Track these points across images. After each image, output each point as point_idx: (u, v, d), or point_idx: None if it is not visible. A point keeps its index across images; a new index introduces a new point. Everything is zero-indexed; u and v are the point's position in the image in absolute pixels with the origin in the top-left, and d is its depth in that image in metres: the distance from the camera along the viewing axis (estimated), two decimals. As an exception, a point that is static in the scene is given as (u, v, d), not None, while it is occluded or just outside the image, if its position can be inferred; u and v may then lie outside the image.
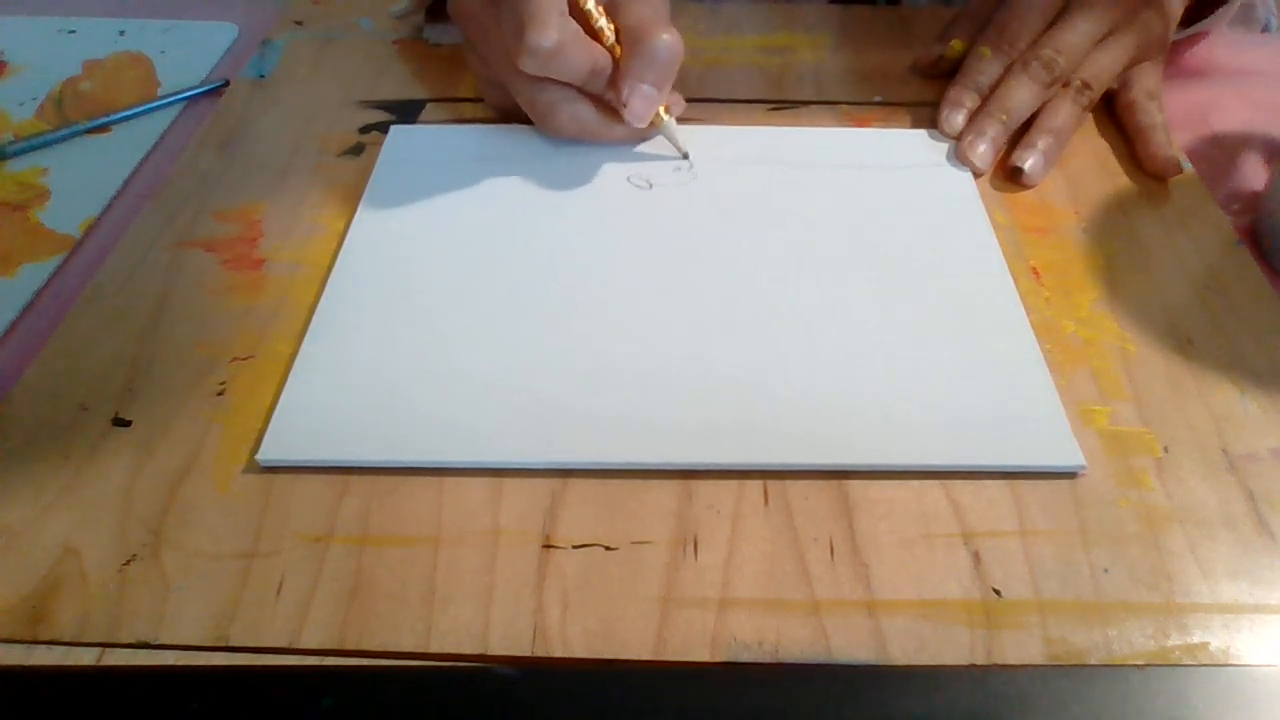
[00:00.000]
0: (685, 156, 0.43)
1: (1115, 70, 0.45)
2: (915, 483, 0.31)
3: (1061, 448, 0.31)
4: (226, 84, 0.50)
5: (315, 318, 0.36)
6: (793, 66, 0.51)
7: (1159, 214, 0.41)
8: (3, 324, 0.37)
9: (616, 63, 0.40)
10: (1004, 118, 0.43)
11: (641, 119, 0.40)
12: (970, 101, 0.45)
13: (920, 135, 0.45)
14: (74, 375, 0.34)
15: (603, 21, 0.40)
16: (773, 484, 0.31)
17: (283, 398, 0.32)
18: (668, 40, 0.39)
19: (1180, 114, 0.48)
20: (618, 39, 0.40)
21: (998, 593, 0.28)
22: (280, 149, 0.45)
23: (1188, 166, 0.44)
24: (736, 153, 0.44)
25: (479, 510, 0.30)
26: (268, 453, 0.31)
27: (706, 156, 0.44)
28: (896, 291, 0.37)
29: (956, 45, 0.48)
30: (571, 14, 0.39)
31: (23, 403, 0.33)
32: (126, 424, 0.32)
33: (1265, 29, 0.59)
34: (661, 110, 0.42)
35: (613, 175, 0.43)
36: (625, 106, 0.40)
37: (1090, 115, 0.46)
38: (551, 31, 0.37)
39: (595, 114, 0.41)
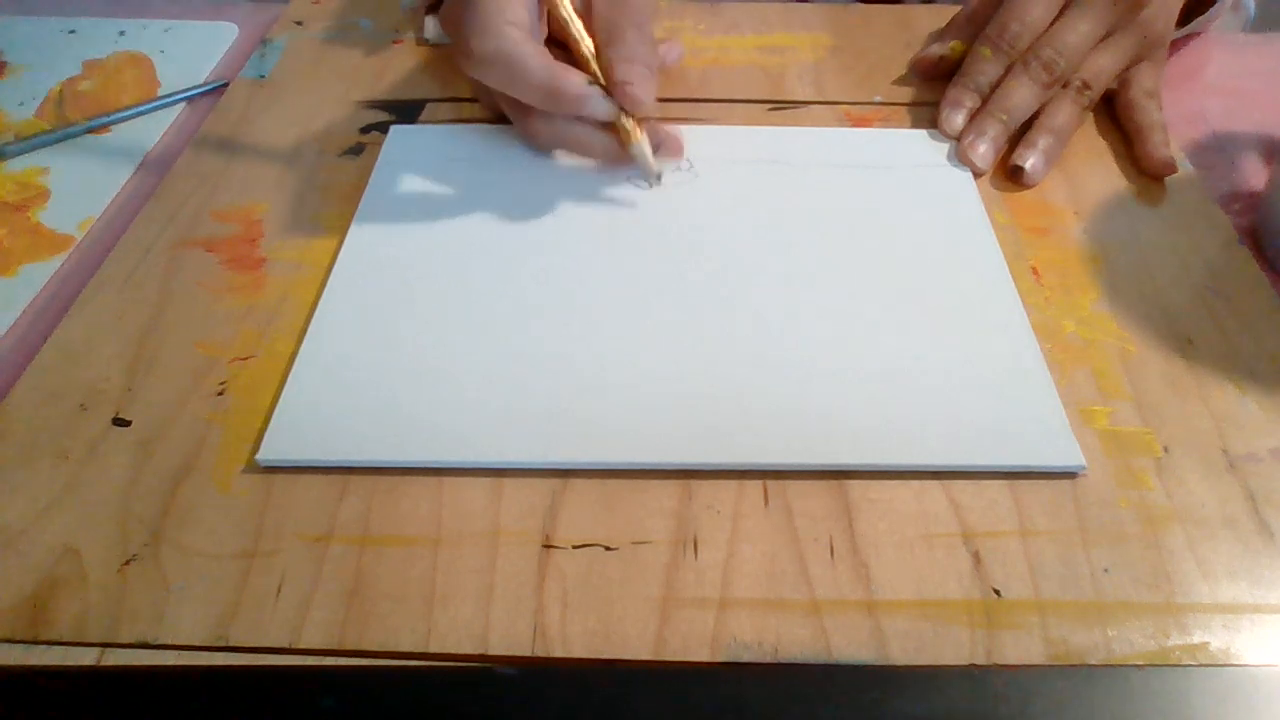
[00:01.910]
0: (659, 178, 0.42)
1: (1115, 70, 0.45)
2: (915, 483, 0.31)
3: (1061, 448, 0.31)
4: (226, 84, 0.50)
5: (315, 318, 0.36)
6: (793, 66, 0.51)
7: (1159, 214, 0.41)
8: (3, 324, 0.37)
9: (590, 73, 0.39)
10: (1004, 118, 0.43)
11: (646, 94, 0.38)
12: (970, 101, 0.45)
13: (920, 135, 0.46)
14: (74, 375, 0.34)
15: (575, 26, 0.40)
16: (773, 484, 0.31)
17: (282, 398, 0.32)
18: (637, 33, 0.39)
19: (1180, 114, 0.48)
20: (593, 40, 0.40)
21: (998, 593, 0.28)
22: (280, 149, 0.45)
23: (1187, 166, 0.44)
24: (736, 153, 0.44)
25: (479, 510, 0.30)
26: (267, 453, 0.31)
27: (706, 156, 0.44)
28: (896, 291, 0.37)
29: (957, 46, 0.48)
30: (551, 27, 0.39)
31: (23, 403, 0.33)
32: (126, 424, 0.32)
33: (1245, 29, 0.60)
34: (636, 131, 0.40)
35: (613, 175, 0.43)
36: (619, 86, 0.38)
37: (1090, 115, 0.46)
38: (490, 39, 0.37)
39: (574, 125, 0.40)
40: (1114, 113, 0.46)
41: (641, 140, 0.40)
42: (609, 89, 0.39)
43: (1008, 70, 0.45)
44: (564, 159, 0.43)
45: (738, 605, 0.28)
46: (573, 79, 0.38)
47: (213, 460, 0.31)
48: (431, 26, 0.53)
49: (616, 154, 0.41)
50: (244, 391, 0.33)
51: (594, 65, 0.40)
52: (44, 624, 0.27)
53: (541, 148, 0.43)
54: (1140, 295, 0.37)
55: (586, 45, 0.40)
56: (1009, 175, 0.43)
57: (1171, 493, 0.31)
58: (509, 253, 0.39)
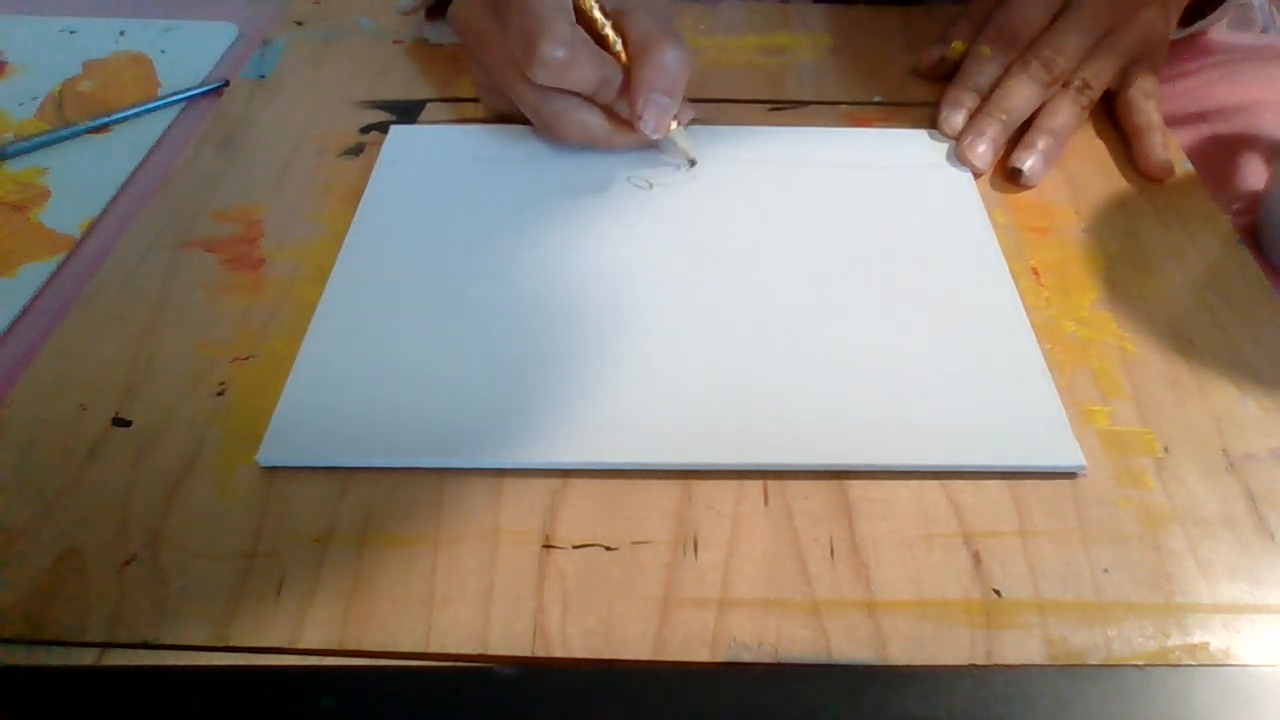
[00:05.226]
0: (693, 164, 0.43)
1: (1115, 70, 0.45)
2: (915, 483, 0.31)
3: (1061, 448, 0.31)
4: (226, 84, 0.50)
5: (315, 318, 0.36)
6: (793, 66, 0.51)
7: (1159, 214, 0.41)
8: (3, 324, 0.37)
9: (625, 70, 0.40)
10: (1004, 117, 0.43)
11: (657, 130, 0.40)
12: (970, 101, 0.45)
13: (920, 135, 0.45)
14: (74, 375, 0.34)
15: (609, 29, 0.40)
16: (773, 484, 0.31)
17: (282, 399, 0.32)
18: (677, 54, 0.39)
19: (1180, 114, 0.48)
20: (625, 49, 0.40)
21: (998, 593, 0.28)
22: (280, 149, 0.45)
23: (1187, 166, 0.44)
24: (736, 153, 0.44)
25: (479, 510, 0.30)
26: (267, 455, 0.31)
27: (707, 157, 0.44)
28: (896, 291, 0.37)
29: (957, 46, 0.48)
30: (577, 23, 0.39)
31: (23, 403, 0.33)
32: (126, 424, 0.32)
33: (1264, 31, 0.59)
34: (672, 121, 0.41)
35: (613, 176, 0.43)
36: (640, 118, 0.40)
37: (1090, 115, 0.46)
38: (564, 42, 0.37)
39: (602, 122, 0.41)
40: (1113, 113, 0.47)
41: (676, 130, 0.42)
42: (629, 109, 0.40)
43: (1007, 70, 0.45)
44: (571, 158, 0.43)
45: (738, 605, 0.28)
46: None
47: (213, 460, 0.31)
48: (431, 28, 0.53)
49: (640, 145, 0.43)
50: (244, 391, 0.33)
51: (623, 59, 0.40)
52: (44, 624, 0.27)
53: (569, 143, 0.43)
54: (1140, 295, 0.37)
55: (615, 45, 0.40)
56: (1008, 176, 0.43)
57: (1171, 493, 0.31)
58: (509, 253, 0.39)
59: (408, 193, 0.42)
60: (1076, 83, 0.44)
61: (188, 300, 0.37)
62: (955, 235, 0.40)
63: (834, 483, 0.31)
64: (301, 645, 0.27)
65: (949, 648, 0.27)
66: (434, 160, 0.44)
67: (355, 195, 0.42)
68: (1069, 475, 0.31)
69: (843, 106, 0.48)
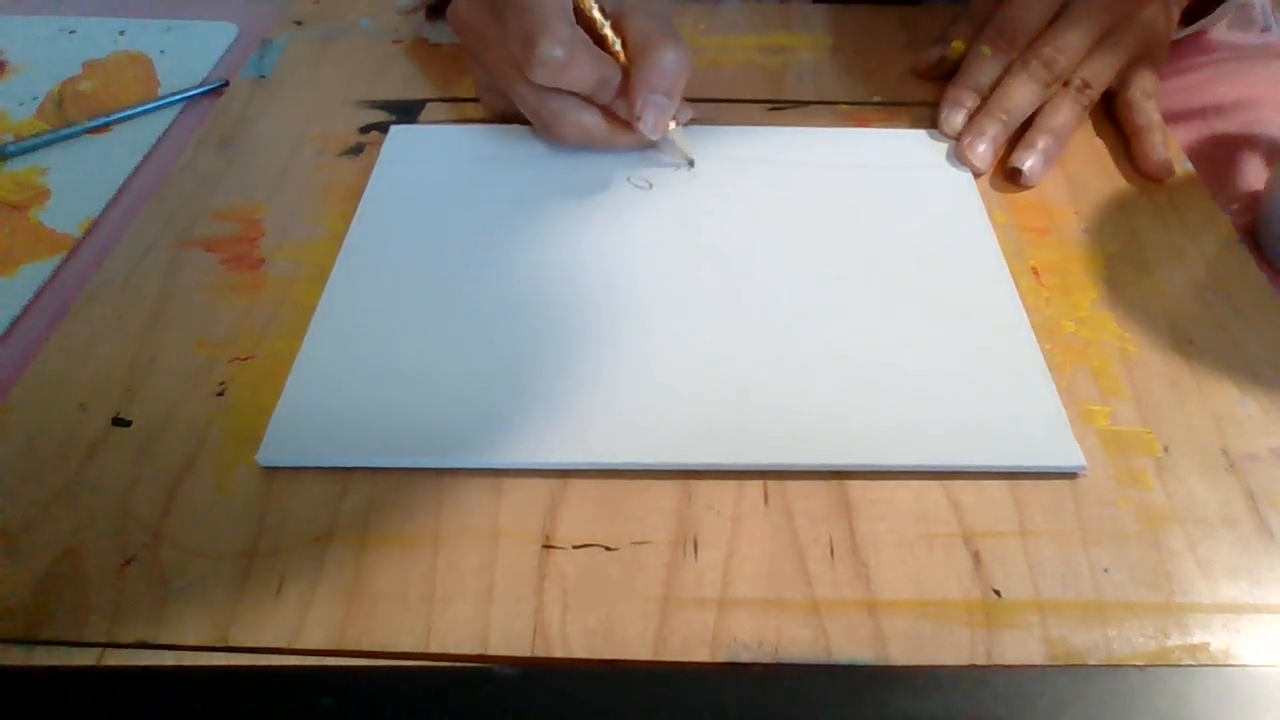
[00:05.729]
0: (691, 164, 0.43)
1: (1115, 69, 0.45)
2: (915, 483, 0.31)
3: (1061, 448, 0.31)
4: (226, 84, 0.50)
5: (315, 318, 0.36)
6: (793, 66, 0.51)
7: (1159, 214, 0.41)
8: (3, 324, 0.37)
9: (624, 71, 0.40)
10: (1004, 117, 0.43)
11: (655, 130, 0.40)
12: (970, 101, 0.45)
13: (920, 135, 0.45)
14: (74, 375, 0.34)
15: (608, 29, 0.40)
16: (772, 484, 0.31)
17: (282, 399, 0.32)
18: (676, 55, 0.39)
19: (1180, 112, 0.48)
20: (624, 49, 0.40)
21: (998, 593, 0.28)
22: (280, 149, 0.45)
23: (1187, 166, 0.44)
24: (736, 153, 0.44)
25: (479, 510, 0.30)
26: (267, 455, 0.31)
27: (706, 157, 0.44)
28: (896, 291, 0.37)
29: (957, 46, 0.48)
30: (576, 23, 0.39)
31: (23, 403, 0.33)
32: (126, 424, 0.32)
33: (1264, 30, 0.59)
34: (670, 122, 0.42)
35: (613, 175, 0.43)
36: (639, 119, 0.40)
37: (1090, 115, 0.46)
38: (563, 42, 0.37)
39: (601, 122, 0.41)
40: (1113, 113, 0.46)
41: (675, 130, 0.42)
42: (628, 109, 0.40)
43: (1007, 69, 0.45)
44: (571, 158, 0.43)
45: (738, 605, 0.28)
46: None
47: (213, 460, 0.31)
48: (431, 28, 0.53)
49: (639, 145, 0.43)
50: (244, 391, 0.33)
51: (622, 59, 0.40)
52: (44, 624, 0.27)
53: (568, 143, 0.43)
54: (1140, 295, 0.37)
55: (614, 45, 0.40)
56: (1008, 175, 0.43)
57: (1171, 493, 0.31)
58: (508, 253, 0.39)
59: (408, 193, 0.42)
60: (1077, 82, 0.44)
61: (188, 300, 0.37)
62: (955, 235, 0.40)
63: (834, 483, 0.31)
64: (301, 645, 0.27)
65: (949, 648, 0.27)
66: (434, 160, 0.44)
67: (355, 195, 0.42)
68: (1069, 475, 0.31)
69: (843, 106, 0.48)
